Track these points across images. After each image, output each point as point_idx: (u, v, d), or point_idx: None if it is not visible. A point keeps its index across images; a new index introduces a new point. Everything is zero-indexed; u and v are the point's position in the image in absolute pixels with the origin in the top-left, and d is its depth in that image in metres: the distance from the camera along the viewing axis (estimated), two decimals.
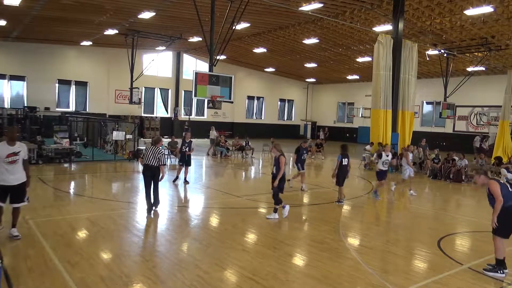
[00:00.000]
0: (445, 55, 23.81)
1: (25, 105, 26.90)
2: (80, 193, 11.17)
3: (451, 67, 25.20)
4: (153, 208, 8.88)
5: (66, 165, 15.79)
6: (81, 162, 16.65)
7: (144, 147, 9.95)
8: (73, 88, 29.84)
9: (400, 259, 6.60)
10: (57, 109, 28.53)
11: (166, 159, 10.46)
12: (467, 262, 6.52)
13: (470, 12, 16.89)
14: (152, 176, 8.78)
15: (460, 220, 9.79)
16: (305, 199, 11.75)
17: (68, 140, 16.85)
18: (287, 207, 8.90)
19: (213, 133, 22.98)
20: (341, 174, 10.62)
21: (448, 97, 25.54)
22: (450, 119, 29.22)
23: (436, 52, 23.43)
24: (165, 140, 20.06)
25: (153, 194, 8.85)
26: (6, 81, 27.21)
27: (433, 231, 8.55)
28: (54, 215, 8.25)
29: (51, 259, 5.84)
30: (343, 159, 10.65)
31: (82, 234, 7.23)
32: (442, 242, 7.55)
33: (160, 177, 8.82)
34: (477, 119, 30.16)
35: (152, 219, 8.62)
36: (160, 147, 9.17)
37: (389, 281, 5.57)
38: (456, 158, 16.38)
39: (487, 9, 16.27)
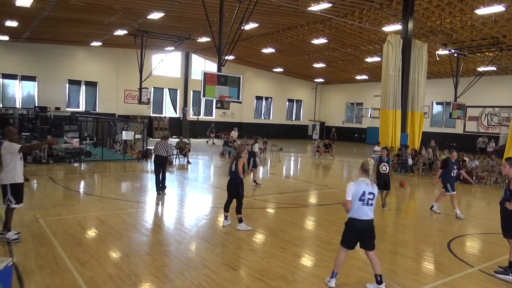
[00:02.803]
0: (455, 55, 23.57)
1: (36, 105, 27.23)
2: (89, 192, 11.27)
3: (462, 67, 24.95)
4: (161, 192, 10.80)
5: (76, 164, 15.94)
6: (90, 161, 16.80)
7: (155, 142, 11.39)
8: (83, 88, 30.12)
9: (409, 261, 6.54)
10: (67, 109, 28.85)
11: (173, 153, 11.39)
12: (477, 264, 6.45)
13: (481, 11, 16.71)
14: (161, 164, 10.86)
15: (471, 222, 9.67)
16: (313, 200, 11.72)
17: (78, 139, 17.02)
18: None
19: (235, 134, 23.36)
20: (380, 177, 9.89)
21: (458, 98, 25.28)
22: (460, 120, 28.93)
23: (446, 52, 23.21)
24: (173, 140, 20.20)
25: (161, 180, 10.84)
26: (17, 81, 27.56)
27: (442, 232, 8.48)
28: (64, 214, 8.33)
29: (61, 257, 5.90)
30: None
31: (91, 233, 7.29)
32: (452, 244, 7.48)
33: (168, 163, 11.04)
34: (488, 120, 29.80)
35: (160, 218, 8.69)
36: (168, 142, 11.17)
37: (397, 283, 5.53)
38: (467, 159, 16.22)
39: (498, 8, 16.08)
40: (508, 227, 5.99)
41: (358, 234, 5.22)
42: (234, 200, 7.91)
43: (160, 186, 10.86)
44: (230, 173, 7.91)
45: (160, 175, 10.84)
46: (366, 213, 5.11)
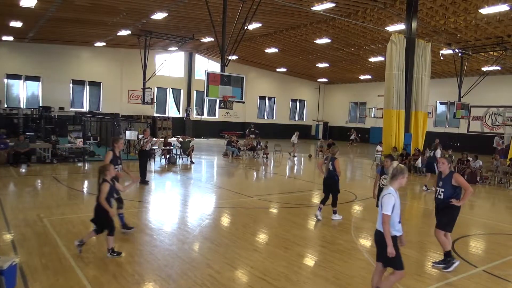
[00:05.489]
0: (459, 54, 23.48)
1: (40, 105, 27.33)
2: (93, 192, 11.25)
3: (466, 66, 24.84)
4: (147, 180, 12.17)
5: (79, 164, 15.99)
6: (94, 161, 16.84)
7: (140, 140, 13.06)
8: (86, 88, 30.22)
9: (413, 261, 6.52)
10: (71, 109, 28.93)
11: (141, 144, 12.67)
12: (481, 265, 6.42)
13: (486, 10, 16.65)
14: (147, 156, 12.66)
15: (475, 222, 9.63)
16: (316, 200, 11.69)
17: (81, 139, 17.09)
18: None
19: (295, 138, 23.56)
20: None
21: (462, 97, 25.17)
22: (464, 120, 28.80)
23: (450, 51, 23.12)
24: (173, 140, 20.26)
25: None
26: (21, 81, 27.69)
27: None
28: (68, 214, 8.37)
29: (65, 257, 5.92)
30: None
31: None
32: (456, 244, 7.45)
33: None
34: (492, 120, 29.65)
35: (163, 218, 8.70)
36: (147, 138, 12.70)
37: (401, 283, 5.51)
38: (471, 159, 16.15)
39: (503, 7, 16.01)
40: (450, 221, 6.16)
41: None
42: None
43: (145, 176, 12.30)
44: (328, 172, 8.67)
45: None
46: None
